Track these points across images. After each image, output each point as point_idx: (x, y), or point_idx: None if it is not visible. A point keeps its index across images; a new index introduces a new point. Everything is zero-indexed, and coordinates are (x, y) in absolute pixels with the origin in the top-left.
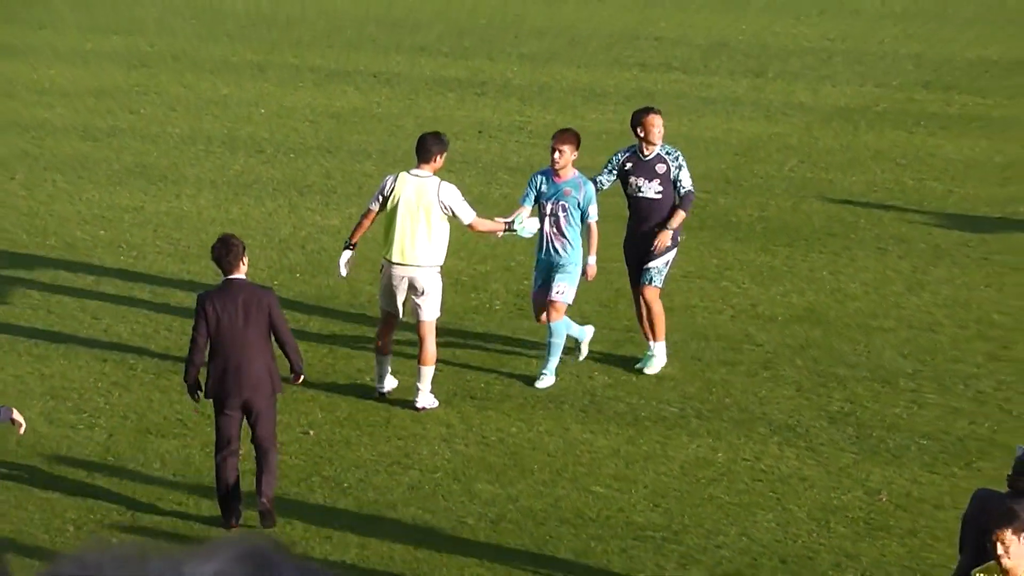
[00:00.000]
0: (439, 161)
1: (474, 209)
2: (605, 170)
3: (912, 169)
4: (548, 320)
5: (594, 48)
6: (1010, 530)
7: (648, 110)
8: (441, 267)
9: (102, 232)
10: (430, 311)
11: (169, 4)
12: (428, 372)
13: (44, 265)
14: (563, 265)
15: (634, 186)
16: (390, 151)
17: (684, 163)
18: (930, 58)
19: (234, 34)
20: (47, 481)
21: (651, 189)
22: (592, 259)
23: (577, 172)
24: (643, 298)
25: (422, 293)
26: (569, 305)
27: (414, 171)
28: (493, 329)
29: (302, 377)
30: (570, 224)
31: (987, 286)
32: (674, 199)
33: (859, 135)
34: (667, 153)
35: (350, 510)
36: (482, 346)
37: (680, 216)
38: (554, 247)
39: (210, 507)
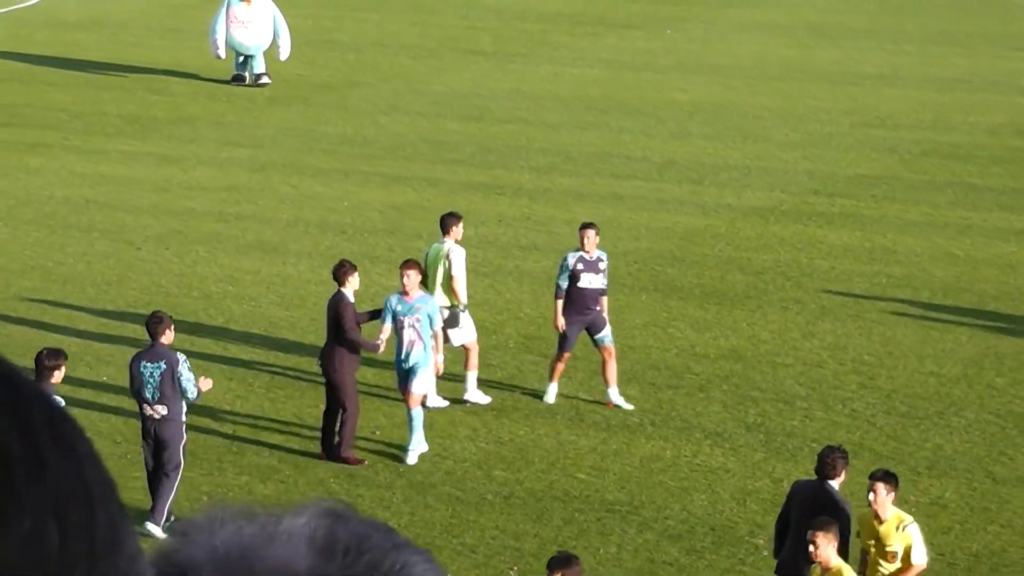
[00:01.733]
0: (455, 231)
1: (464, 277)
2: (561, 275)
3: (806, 251)
4: (409, 407)
5: (581, 163)
6: None
7: (591, 225)
8: (463, 306)
9: (230, 288)
10: (458, 338)
11: (280, 127)
12: (471, 375)
13: (189, 310)
14: (422, 365)
15: (585, 281)
16: (435, 233)
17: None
18: (819, 173)
19: (326, 149)
20: (189, 464)
21: (598, 281)
22: (441, 358)
23: (422, 291)
24: (607, 354)
25: (449, 324)
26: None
27: (440, 240)
28: (508, 361)
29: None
30: (425, 331)
31: (859, 335)
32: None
33: (768, 227)
34: (602, 253)
35: (404, 487)
36: (498, 373)
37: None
38: (415, 350)
39: (305, 485)
